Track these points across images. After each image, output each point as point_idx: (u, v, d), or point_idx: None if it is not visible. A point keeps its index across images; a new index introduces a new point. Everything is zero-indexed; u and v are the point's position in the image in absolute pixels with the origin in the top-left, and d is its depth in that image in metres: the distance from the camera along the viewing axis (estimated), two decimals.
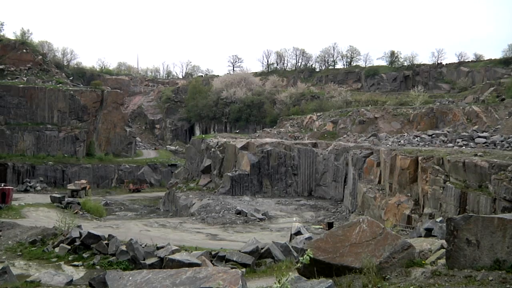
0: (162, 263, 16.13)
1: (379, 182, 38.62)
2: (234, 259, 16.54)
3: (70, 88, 74.25)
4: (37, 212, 35.19)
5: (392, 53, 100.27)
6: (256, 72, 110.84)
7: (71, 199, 43.10)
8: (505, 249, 6.48)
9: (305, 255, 6.24)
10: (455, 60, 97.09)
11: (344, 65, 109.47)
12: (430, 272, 6.93)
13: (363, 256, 7.35)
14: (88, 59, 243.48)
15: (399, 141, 45.25)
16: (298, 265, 6.61)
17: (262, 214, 40.16)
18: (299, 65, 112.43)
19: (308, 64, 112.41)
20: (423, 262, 7.62)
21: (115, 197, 61.19)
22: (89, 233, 20.45)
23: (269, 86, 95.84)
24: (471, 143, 37.89)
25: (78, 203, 40.17)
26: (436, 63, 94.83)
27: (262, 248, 17.26)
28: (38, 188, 60.54)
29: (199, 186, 54.31)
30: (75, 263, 18.88)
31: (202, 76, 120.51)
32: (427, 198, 29.05)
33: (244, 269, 15.12)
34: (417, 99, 69.81)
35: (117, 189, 68.07)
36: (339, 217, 41.07)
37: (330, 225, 30.99)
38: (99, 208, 42.91)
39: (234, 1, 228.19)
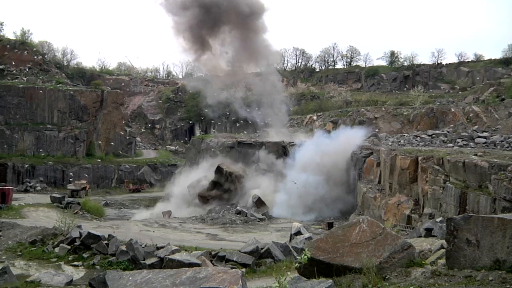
0: (162, 263, 16.13)
1: (379, 182, 38.62)
2: (234, 259, 16.55)
3: (70, 88, 74.30)
4: (37, 212, 35.17)
5: (392, 53, 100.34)
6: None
7: (71, 199, 43.08)
8: (505, 249, 6.48)
9: (303, 255, 6.24)
10: (455, 60, 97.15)
11: (344, 65, 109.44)
12: (430, 272, 6.94)
13: (363, 256, 7.36)
14: (88, 59, 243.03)
15: (399, 141, 45.22)
16: (296, 264, 6.61)
17: (262, 214, 40.21)
18: (299, 65, 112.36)
19: (308, 64, 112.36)
20: (423, 262, 7.62)
21: (115, 197, 61.20)
22: (89, 233, 20.45)
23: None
24: (471, 143, 37.86)
25: (78, 203, 40.16)
26: (436, 63, 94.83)
27: (262, 248, 17.27)
28: (38, 188, 60.53)
29: None
30: (75, 263, 18.88)
31: (202, 76, 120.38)
32: (427, 198, 29.06)
33: (244, 269, 15.13)
34: (417, 99, 69.87)
35: (117, 189, 68.09)
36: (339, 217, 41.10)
37: (330, 225, 31.01)
38: (99, 208, 42.91)
39: None
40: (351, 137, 44.98)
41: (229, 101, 71.12)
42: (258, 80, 61.69)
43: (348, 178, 43.44)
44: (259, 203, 42.03)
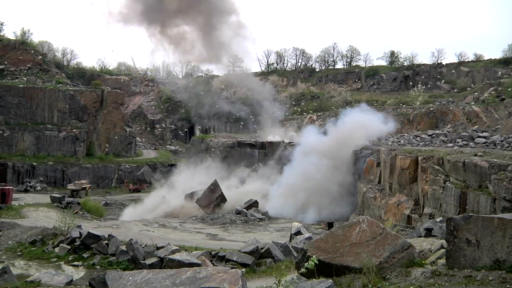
0: (162, 263, 16.12)
1: (379, 182, 38.62)
2: (234, 259, 16.54)
3: (70, 88, 74.29)
4: (37, 212, 35.17)
5: (392, 53, 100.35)
6: (256, 72, 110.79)
7: (71, 199, 43.07)
8: (505, 249, 6.48)
9: (310, 261, 6.24)
10: (455, 60, 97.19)
11: (344, 65, 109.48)
12: (430, 272, 6.93)
13: (363, 256, 7.36)
14: (88, 59, 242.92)
15: (399, 141, 45.25)
16: (303, 270, 6.61)
17: (262, 214, 40.20)
18: (299, 65, 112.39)
19: (308, 64, 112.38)
20: (423, 262, 7.62)
21: (115, 197, 61.15)
22: (89, 233, 20.44)
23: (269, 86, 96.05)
24: (471, 143, 37.89)
25: (78, 203, 40.16)
26: (436, 63, 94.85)
27: (262, 248, 17.25)
28: (38, 188, 60.52)
29: None
30: (75, 263, 18.87)
31: (202, 76, 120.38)
32: (427, 198, 29.05)
33: (244, 269, 15.13)
34: (417, 99, 69.89)
35: (117, 189, 68.03)
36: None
37: (330, 225, 30.99)
38: (99, 208, 42.89)
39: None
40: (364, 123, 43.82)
41: (218, 103, 70.96)
42: (241, 79, 61.65)
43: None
44: (252, 206, 41.68)
